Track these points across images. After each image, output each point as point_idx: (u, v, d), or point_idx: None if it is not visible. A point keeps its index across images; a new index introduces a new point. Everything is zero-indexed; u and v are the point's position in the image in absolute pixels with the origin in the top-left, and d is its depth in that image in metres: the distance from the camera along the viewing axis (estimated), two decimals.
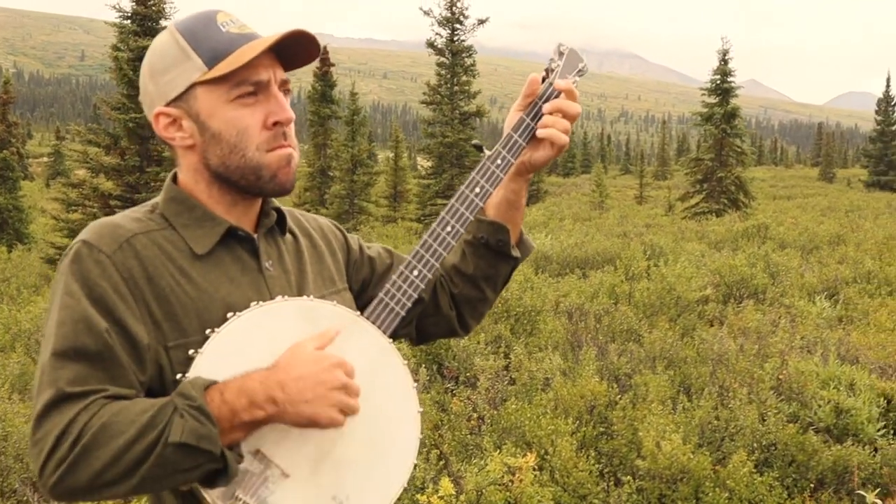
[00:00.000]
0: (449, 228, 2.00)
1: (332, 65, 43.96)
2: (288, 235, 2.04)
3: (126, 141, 19.23)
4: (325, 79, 43.06)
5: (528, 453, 6.30)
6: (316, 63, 44.97)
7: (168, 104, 1.85)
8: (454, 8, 36.79)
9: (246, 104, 1.82)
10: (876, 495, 3.91)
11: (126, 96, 19.42)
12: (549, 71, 2.15)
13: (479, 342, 9.22)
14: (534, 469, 6.15)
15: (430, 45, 36.81)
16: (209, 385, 1.63)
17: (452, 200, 2.02)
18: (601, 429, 7.37)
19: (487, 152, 2.08)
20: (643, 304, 11.88)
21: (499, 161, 2.06)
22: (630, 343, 10.00)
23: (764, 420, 7.15)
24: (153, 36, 19.48)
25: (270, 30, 1.93)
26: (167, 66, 1.84)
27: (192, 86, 1.82)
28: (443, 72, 37.14)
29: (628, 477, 6.50)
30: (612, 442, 7.14)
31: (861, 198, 51.01)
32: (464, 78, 37.05)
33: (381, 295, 1.97)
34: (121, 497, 1.68)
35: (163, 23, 20.16)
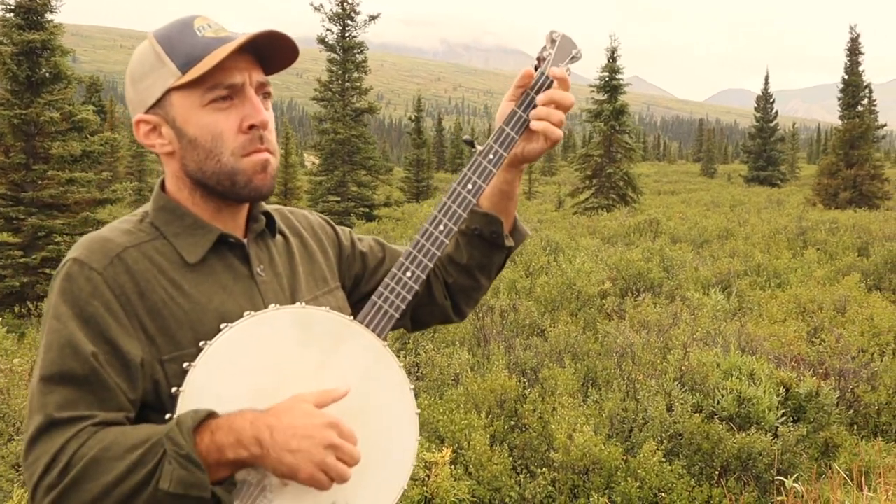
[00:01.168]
0: (441, 227, 1.98)
1: None
2: (278, 237, 2.03)
3: (10, 138, 18.65)
4: None
5: (443, 448, 6.35)
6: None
7: (147, 111, 1.85)
8: (345, 4, 36.68)
9: (220, 108, 1.80)
10: (794, 480, 4.07)
11: (10, 91, 18.82)
12: (540, 60, 2.09)
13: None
14: (449, 464, 6.20)
15: (321, 41, 36.60)
16: (200, 423, 1.62)
17: (445, 198, 2.01)
18: (512, 422, 7.47)
19: (479, 147, 2.05)
20: (544, 299, 12.05)
21: (490, 156, 2.03)
22: (534, 337, 10.14)
23: (670, 410, 7.35)
24: (38, 30, 19.09)
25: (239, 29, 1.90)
26: (144, 73, 1.83)
27: (168, 92, 1.80)
28: (334, 68, 36.98)
29: (543, 469, 6.61)
30: (523, 435, 7.25)
31: (742, 192, 52.51)
32: (355, 74, 36.98)
33: (374, 298, 1.96)
34: None
35: (48, 16, 19.53)
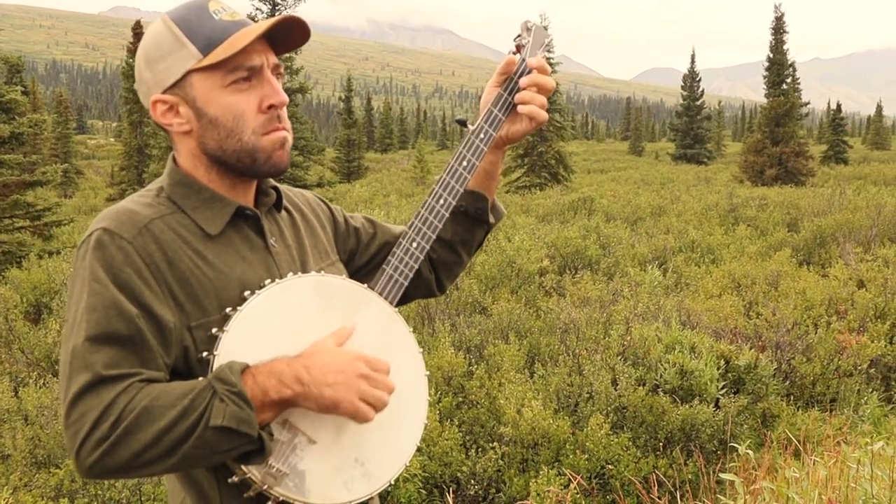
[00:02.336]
0: (442, 201, 2.11)
1: None
2: (283, 212, 2.10)
3: None
4: None
5: None
6: (129, 38, 43.41)
7: (164, 91, 1.89)
8: None
9: (241, 89, 1.86)
10: (746, 447, 4.19)
11: None
12: (519, 47, 2.23)
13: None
14: None
15: (252, 19, 36.16)
16: (244, 369, 1.70)
17: (443, 174, 2.13)
18: (460, 398, 7.55)
19: (471, 127, 2.18)
20: (485, 277, 12.16)
21: (482, 135, 2.16)
22: (476, 315, 10.24)
23: (615, 384, 7.49)
24: None
25: None
26: (163, 55, 1.87)
27: (188, 73, 1.85)
28: None
29: (492, 444, 6.71)
30: (472, 411, 7.34)
31: (670, 170, 53.21)
32: (285, 55, 36.67)
33: (385, 267, 2.07)
34: (156, 475, 1.74)
35: None
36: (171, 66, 1.86)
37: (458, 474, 6.56)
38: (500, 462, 6.67)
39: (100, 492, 5.88)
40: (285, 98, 1.91)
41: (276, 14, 35.86)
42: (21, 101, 19.18)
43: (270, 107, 1.88)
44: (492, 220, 2.38)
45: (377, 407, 1.79)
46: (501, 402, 7.08)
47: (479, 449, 6.82)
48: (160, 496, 5.73)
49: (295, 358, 1.74)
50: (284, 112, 1.93)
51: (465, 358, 8.05)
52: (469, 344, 8.89)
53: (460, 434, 6.89)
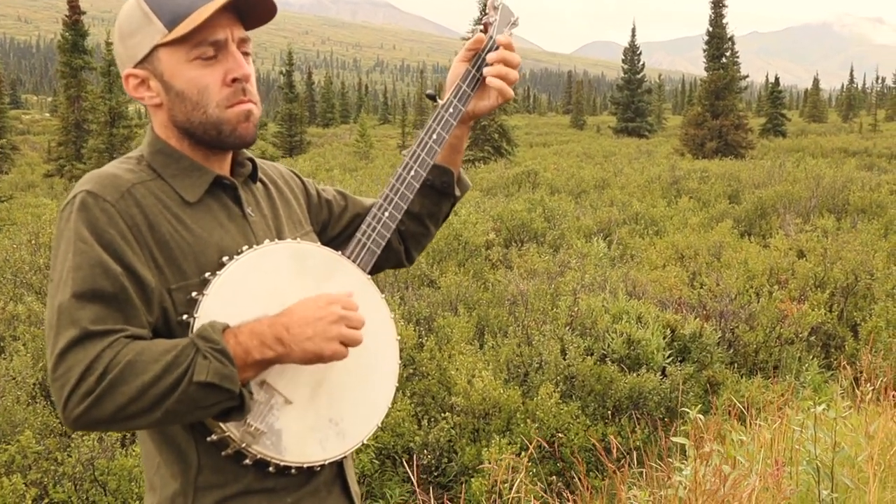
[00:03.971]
0: (412, 172, 2.17)
1: (83, 13, 42.01)
2: (258, 183, 2.15)
3: None
4: (75, 28, 41.12)
5: None
6: (64, 11, 42.56)
7: (135, 66, 1.94)
8: None
9: (206, 64, 1.90)
10: (697, 412, 4.30)
11: None
12: (486, 25, 2.30)
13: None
14: None
15: None
16: (224, 328, 1.75)
17: (414, 146, 2.18)
18: (411, 370, 7.61)
19: (440, 101, 2.23)
20: (432, 250, 12.20)
21: (451, 110, 2.21)
22: (424, 287, 10.30)
23: (564, 354, 7.59)
24: None
25: None
26: (133, 30, 1.92)
27: (155, 48, 1.89)
28: None
29: (444, 414, 6.78)
30: (422, 382, 7.40)
31: (612, 143, 53.55)
32: None
33: (357, 235, 2.13)
34: (140, 429, 1.80)
35: None
36: (141, 42, 1.91)
37: (411, 445, 6.63)
38: (452, 432, 6.75)
39: (52, 467, 5.86)
40: (248, 71, 1.94)
41: None
42: None
43: (234, 80, 1.92)
44: (458, 192, 2.44)
45: (352, 345, 1.85)
46: (452, 373, 7.16)
47: (431, 419, 6.88)
48: (114, 470, 5.72)
49: (276, 317, 1.79)
50: (251, 86, 1.96)
51: (414, 330, 8.10)
52: (418, 316, 8.95)
53: (412, 405, 6.95)
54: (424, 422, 6.80)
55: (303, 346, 1.77)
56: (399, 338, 2.14)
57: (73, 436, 6.04)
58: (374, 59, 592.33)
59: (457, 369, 7.16)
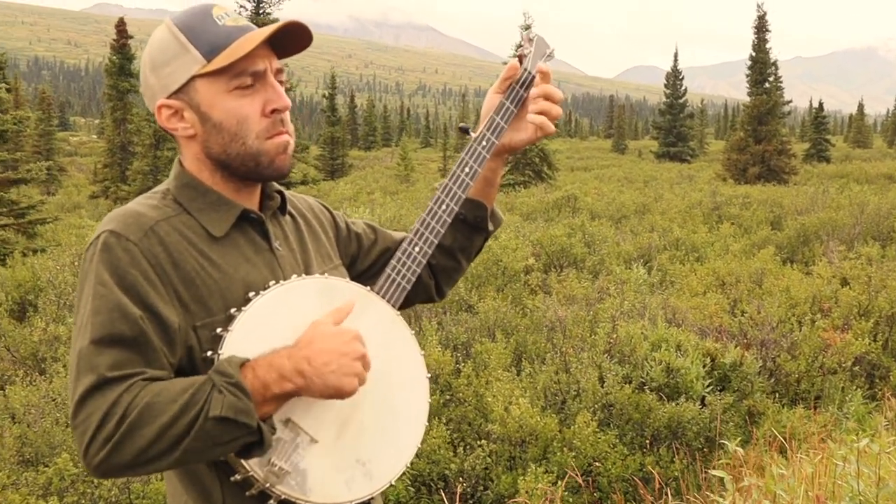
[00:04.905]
0: (444, 207, 2.14)
1: (131, 37, 42.65)
2: (287, 216, 2.13)
3: None
4: (122, 51, 41.80)
5: None
6: (112, 35, 43.19)
7: (169, 96, 1.92)
8: None
9: (244, 94, 1.89)
10: (737, 443, 4.23)
11: None
12: (521, 57, 2.26)
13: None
14: None
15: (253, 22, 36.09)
16: (243, 363, 1.73)
17: (446, 180, 2.16)
18: (447, 396, 7.57)
19: (473, 135, 2.20)
20: (470, 275, 12.17)
21: (484, 143, 2.18)
22: (462, 313, 10.26)
23: (602, 382, 7.52)
24: None
25: None
26: (167, 60, 1.90)
27: (192, 78, 1.88)
28: None
29: (480, 442, 6.72)
30: (459, 409, 7.35)
31: (654, 168, 53.36)
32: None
33: (387, 271, 2.10)
34: (161, 471, 1.77)
35: None
36: (176, 72, 1.89)
37: (447, 472, 6.58)
38: (488, 460, 6.69)
39: (88, 490, 5.87)
40: (288, 102, 1.93)
41: (261, 12, 35.90)
42: (4, 98, 19.12)
43: (274, 111, 1.91)
44: (490, 227, 2.41)
45: (362, 384, 1.83)
46: (489, 399, 7.11)
47: (467, 447, 6.84)
48: (149, 494, 5.73)
49: (294, 349, 1.76)
50: (287, 116, 1.95)
51: (452, 356, 8.06)
52: (456, 342, 8.91)
53: (448, 432, 6.91)
54: (460, 449, 6.75)
55: (325, 379, 1.75)
56: (429, 375, 2.10)
57: None
58: (417, 83, 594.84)
59: (494, 396, 7.11)
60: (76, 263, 11.45)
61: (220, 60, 1.85)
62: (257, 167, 1.93)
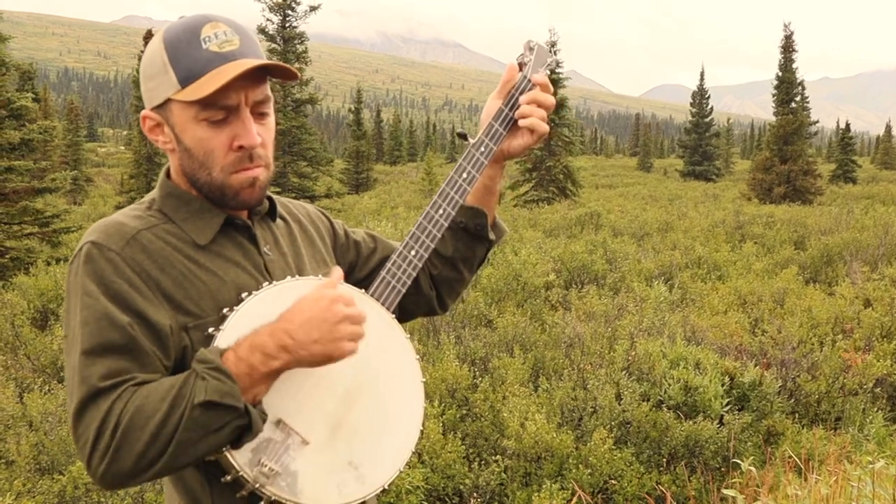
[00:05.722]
0: (441, 211, 2.14)
1: None
2: (279, 221, 2.13)
3: None
4: None
5: None
6: (140, 47, 43.45)
7: (152, 109, 1.93)
8: None
9: (214, 126, 1.87)
10: (750, 463, 4.20)
11: None
12: (521, 65, 2.27)
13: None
14: None
15: (262, 31, 36.25)
16: (224, 350, 1.72)
17: (444, 185, 2.16)
18: (464, 411, 7.55)
19: (471, 140, 2.21)
20: (490, 290, 12.16)
21: (482, 148, 2.19)
22: (482, 328, 10.25)
23: (619, 399, 7.49)
24: None
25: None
26: (152, 74, 1.90)
27: (168, 100, 1.88)
28: (274, 58, 36.68)
29: (495, 457, 6.71)
30: (475, 424, 7.34)
31: (679, 187, 53.19)
32: (296, 65, 36.70)
33: (382, 274, 2.10)
34: (165, 475, 1.76)
35: None
36: (157, 88, 1.89)
37: (461, 487, 6.56)
38: (503, 475, 6.67)
39: (102, 499, 5.89)
40: (255, 141, 1.89)
41: (287, 26, 36.04)
42: (31, 108, 19.26)
43: (241, 147, 1.88)
44: (492, 237, 2.37)
45: (357, 340, 1.80)
46: (505, 415, 7.09)
47: (483, 462, 6.82)
48: (162, 503, 5.74)
49: (276, 324, 1.75)
50: (263, 149, 1.93)
51: (469, 370, 8.05)
52: (474, 357, 8.90)
53: (463, 447, 6.89)
54: (476, 464, 6.73)
55: (310, 349, 1.73)
56: (424, 380, 2.08)
57: None
58: (443, 99, 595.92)
59: (510, 411, 7.09)
60: (66, 280, 11.51)
61: (190, 92, 1.83)
62: (223, 198, 1.92)
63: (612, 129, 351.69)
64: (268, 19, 36.45)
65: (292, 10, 36.59)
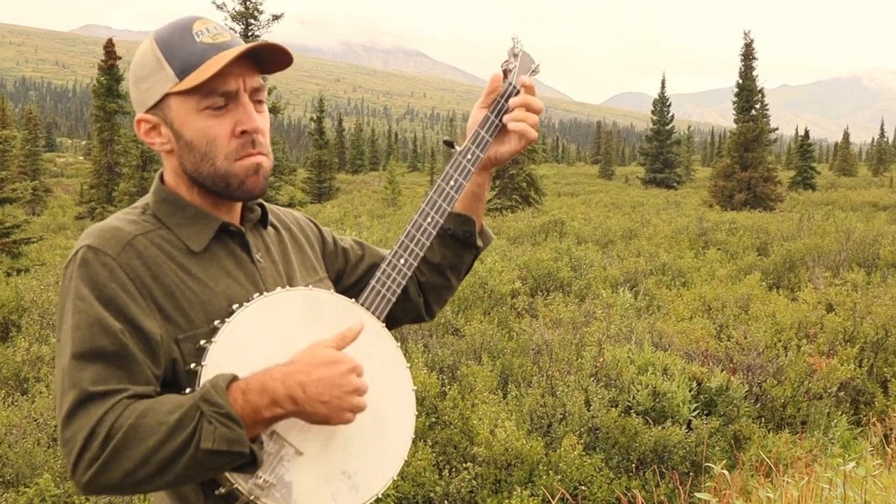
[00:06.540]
0: (429, 219, 2.13)
1: (119, 58, 42.61)
2: (270, 229, 2.12)
3: None
4: (111, 72, 41.70)
5: None
6: (100, 56, 43.22)
7: (147, 111, 1.92)
8: (248, 3, 36.30)
9: (215, 114, 1.87)
10: (722, 467, 4.22)
11: None
12: (506, 72, 2.27)
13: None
14: None
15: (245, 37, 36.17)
16: (230, 383, 1.70)
17: (431, 193, 2.15)
18: (433, 419, 7.54)
19: (458, 148, 2.21)
20: (457, 298, 12.16)
21: (469, 156, 2.18)
22: (449, 336, 10.24)
23: (588, 405, 7.51)
24: None
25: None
26: (145, 75, 1.90)
27: (166, 95, 1.88)
28: None
29: (467, 464, 6.70)
30: (445, 431, 7.32)
31: (640, 194, 53.56)
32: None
33: (372, 283, 2.09)
34: (156, 490, 1.76)
35: None
36: (152, 88, 1.89)
37: (432, 495, 6.55)
38: (474, 483, 6.66)
39: None
40: (258, 124, 1.90)
41: (250, 34, 35.87)
42: None
43: (243, 132, 1.89)
44: (480, 243, 2.38)
45: (358, 413, 1.81)
46: (475, 422, 7.09)
47: (453, 469, 6.81)
48: None
49: (289, 373, 1.73)
50: (263, 137, 1.93)
51: (438, 378, 8.04)
52: (442, 364, 8.89)
53: (433, 454, 6.88)
54: (446, 471, 6.72)
55: (315, 408, 1.73)
56: (415, 388, 2.08)
57: None
58: (405, 107, 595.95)
59: (479, 419, 7.08)
60: (60, 283, 11.40)
61: (190, 80, 1.83)
62: (227, 188, 1.91)
63: (574, 137, 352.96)
64: (230, 28, 36.29)
65: (255, 18, 36.43)
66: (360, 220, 28.83)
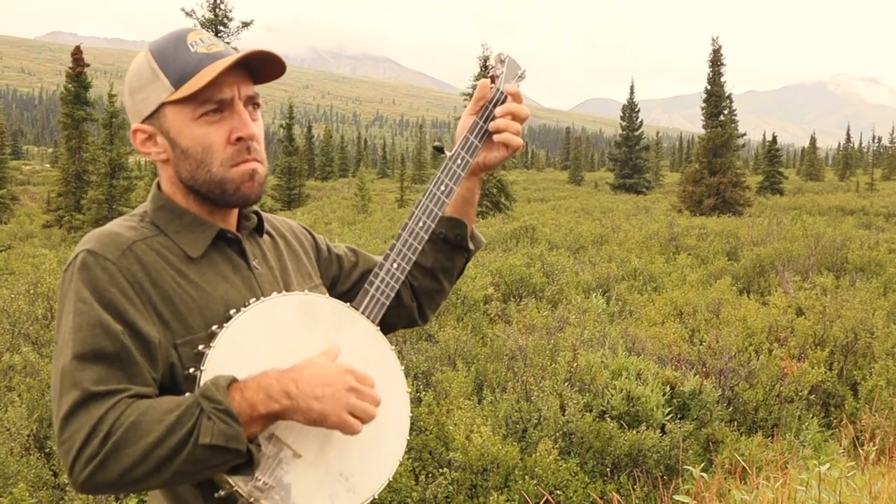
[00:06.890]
0: (421, 224, 2.17)
1: (87, 65, 42.39)
2: (266, 236, 2.15)
3: None
4: (78, 79, 41.47)
5: None
6: (67, 63, 42.96)
7: (143, 121, 1.96)
8: (217, 10, 36.23)
9: (210, 122, 1.91)
10: (700, 470, 4.26)
11: None
12: (493, 78, 2.30)
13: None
14: None
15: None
16: (230, 384, 1.73)
17: (422, 198, 2.19)
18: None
19: (448, 153, 2.24)
20: None
21: (458, 161, 2.22)
22: (422, 342, 10.25)
23: (563, 410, 7.54)
24: None
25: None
26: (141, 86, 1.94)
27: (162, 105, 1.91)
28: None
29: (443, 469, 6.71)
30: (420, 437, 7.33)
31: (610, 199, 53.81)
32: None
33: (366, 287, 2.12)
34: (151, 489, 1.79)
35: None
36: (148, 98, 1.92)
37: (408, 500, 6.55)
38: (450, 488, 6.67)
39: None
40: (253, 131, 1.94)
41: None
42: None
43: (239, 139, 1.92)
44: (471, 247, 2.42)
45: (365, 419, 1.83)
46: (450, 428, 7.10)
47: (429, 475, 6.82)
48: None
49: (284, 371, 1.77)
50: (257, 144, 1.97)
51: (412, 384, 8.05)
52: (416, 371, 8.90)
53: (409, 460, 6.89)
54: (422, 477, 6.73)
55: (309, 403, 1.75)
56: (409, 390, 2.14)
57: (66, 489, 5.97)
58: (374, 114, 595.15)
59: (455, 424, 7.10)
60: (31, 292, 11.30)
61: (186, 89, 1.87)
62: (223, 194, 1.95)
63: (543, 143, 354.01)
64: (200, 39, 36.16)
65: (224, 26, 36.44)
66: (330, 227, 28.78)
